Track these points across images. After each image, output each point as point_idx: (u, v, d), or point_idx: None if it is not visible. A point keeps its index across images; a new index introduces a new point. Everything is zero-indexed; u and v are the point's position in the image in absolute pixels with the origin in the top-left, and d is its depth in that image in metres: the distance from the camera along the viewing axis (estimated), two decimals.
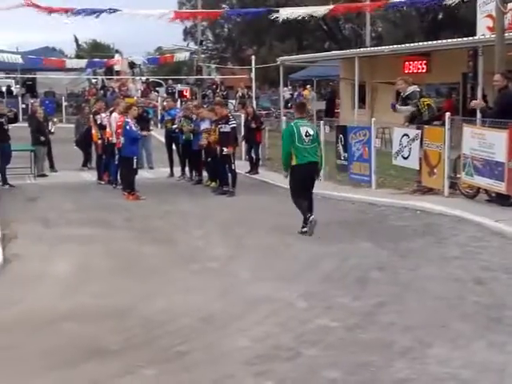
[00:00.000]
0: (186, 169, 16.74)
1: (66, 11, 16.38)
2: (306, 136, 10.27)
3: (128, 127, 13.99)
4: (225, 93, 37.66)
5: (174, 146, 17.18)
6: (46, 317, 6.78)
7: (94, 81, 41.54)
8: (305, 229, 10.27)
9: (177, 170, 17.07)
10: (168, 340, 6.11)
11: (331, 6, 17.54)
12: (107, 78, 39.41)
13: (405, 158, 13.61)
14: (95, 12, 16.33)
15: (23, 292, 7.66)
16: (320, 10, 17.18)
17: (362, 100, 26.09)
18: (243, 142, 19.09)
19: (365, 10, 25.53)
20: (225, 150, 14.26)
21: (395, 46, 24.68)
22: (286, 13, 16.86)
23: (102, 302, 7.23)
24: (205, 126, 15.12)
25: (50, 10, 16.35)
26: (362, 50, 27.48)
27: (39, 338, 6.22)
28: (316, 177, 10.77)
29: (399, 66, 23.89)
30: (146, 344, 6.02)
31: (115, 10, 16.50)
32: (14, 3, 16.11)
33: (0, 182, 15.47)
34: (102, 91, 38.35)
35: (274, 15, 16.94)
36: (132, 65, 40.96)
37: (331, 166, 15.99)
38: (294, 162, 10.33)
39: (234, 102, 36.24)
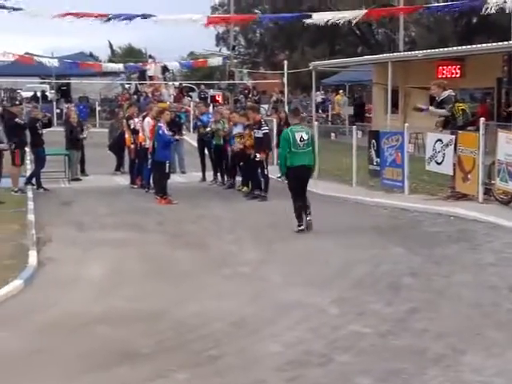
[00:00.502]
0: (218, 173, 16.80)
1: (100, 17, 16.59)
2: (300, 141, 10.83)
3: (161, 132, 14.09)
4: (257, 97, 37.74)
5: (206, 151, 17.27)
6: (79, 320, 6.85)
7: (126, 86, 41.93)
8: (302, 227, 10.92)
9: (209, 174, 17.14)
10: (200, 344, 6.13)
11: (365, 11, 17.45)
12: (140, 83, 39.72)
13: (438, 164, 13.49)
14: (129, 18, 16.51)
15: (57, 295, 7.75)
16: (354, 15, 17.12)
17: (394, 105, 25.93)
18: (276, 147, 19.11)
19: (398, 14, 25.38)
20: (257, 156, 14.30)
21: (429, 50, 24.48)
22: (318, 17, 16.83)
23: (135, 306, 7.29)
24: (237, 130, 15.18)
25: (84, 16, 16.58)
26: (395, 54, 27.30)
27: (73, 341, 6.29)
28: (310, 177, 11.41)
29: (433, 71, 23.69)
30: (178, 348, 6.05)
31: (149, 16, 16.66)
32: (51, 13, 16.41)
33: (35, 185, 15.69)
34: (135, 96, 38.67)
35: (307, 21, 16.92)
36: (164, 69, 41.19)
37: (363, 171, 15.92)
38: (289, 165, 10.86)
39: (266, 106, 36.28)
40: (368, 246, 9.87)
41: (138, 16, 16.64)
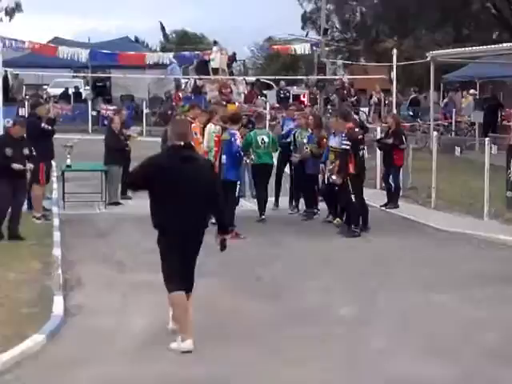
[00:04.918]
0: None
1: None
2: (261, 143, 15.87)
3: (233, 139, 14.27)
4: (354, 98, 37.51)
5: (287, 167, 17.38)
6: None
7: (183, 81, 42.20)
8: (262, 217, 15.83)
9: (284, 199, 17.25)
10: None
11: None
12: (199, 78, 40.01)
13: None
14: None
15: (88, 355, 7.91)
16: None
17: None
18: (378, 165, 19.05)
19: None
20: (332, 177, 14.54)
21: None
22: None
23: (187, 372, 7.40)
24: (334, 142, 15.12)
25: None
26: None
27: None
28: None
29: None
30: None
31: None
32: None
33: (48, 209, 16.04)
34: (192, 95, 38.84)
35: None
36: (232, 60, 41.40)
37: (499, 199, 15.68)
38: (253, 163, 15.77)
39: (366, 110, 36.08)
40: (501, 302, 9.76)
41: None
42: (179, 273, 8.30)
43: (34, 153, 13.92)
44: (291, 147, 16.68)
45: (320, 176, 15.93)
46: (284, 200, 17.35)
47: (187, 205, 8.11)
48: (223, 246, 8.80)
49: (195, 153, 8.93)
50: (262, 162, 15.95)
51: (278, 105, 35.73)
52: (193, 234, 8.31)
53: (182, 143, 8.27)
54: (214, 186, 8.57)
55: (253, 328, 8.89)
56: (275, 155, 16.91)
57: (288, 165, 17.33)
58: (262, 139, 15.92)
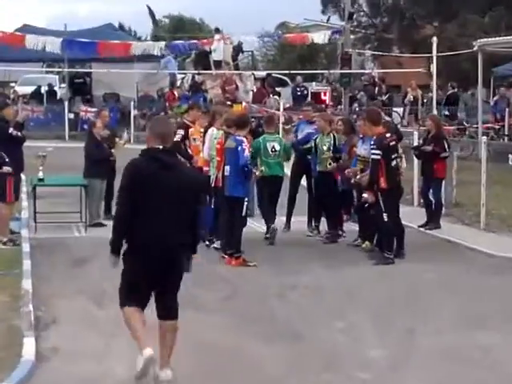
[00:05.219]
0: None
1: None
2: (272, 151, 16.12)
3: (240, 148, 14.24)
4: (386, 96, 37.50)
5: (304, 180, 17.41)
6: None
7: (179, 77, 42.32)
8: (267, 235, 15.99)
9: (298, 220, 17.24)
10: None
11: None
12: (198, 73, 40.09)
13: None
14: None
15: None
16: None
17: None
18: (416, 177, 18.99)
19: None
20: (364, 195, 14.54)
21: None
22: None
23: None
24: (362, 149, 15.09)
25: None
26: None
27: None
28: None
29: None
30: None
31: None
32: None
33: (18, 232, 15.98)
34: (190, 93, 38.89)
35: None
36: (238, 51, 41.50)
37: None
38: (260, 174, 15.66)
39: (400, 110, 36.02)
40: None
41: None
42: (140, 294, 8.61)
43: (7, 159, 13.90)
44: (309, 155, 16.73)
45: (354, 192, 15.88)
46: (296, 221, 17.37)
47: (168, 219, 8.29)
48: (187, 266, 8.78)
49: (179, 160, 9.19)
50: (272, 174, 16.06)
51: (288, 104, 35.73)
52: (172, 253, 8.42)
53: (161, 147, 8.41)
54: (196, 204, 8.79)
55: (262, 376, 8.87)
56: (287, 165, 16.85)
57: (305, 177, 17.37)
58: (273, 147, 16.08)
